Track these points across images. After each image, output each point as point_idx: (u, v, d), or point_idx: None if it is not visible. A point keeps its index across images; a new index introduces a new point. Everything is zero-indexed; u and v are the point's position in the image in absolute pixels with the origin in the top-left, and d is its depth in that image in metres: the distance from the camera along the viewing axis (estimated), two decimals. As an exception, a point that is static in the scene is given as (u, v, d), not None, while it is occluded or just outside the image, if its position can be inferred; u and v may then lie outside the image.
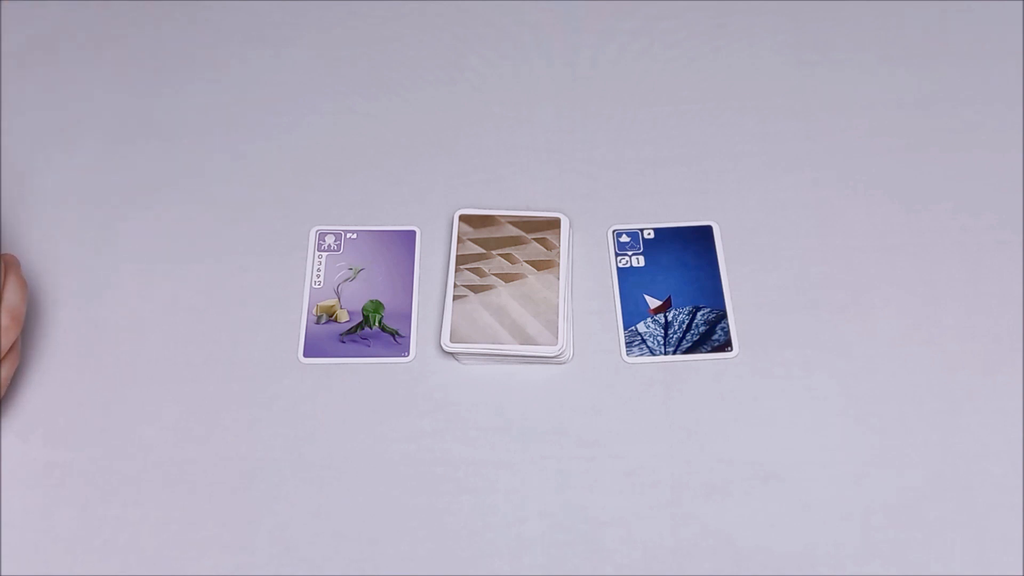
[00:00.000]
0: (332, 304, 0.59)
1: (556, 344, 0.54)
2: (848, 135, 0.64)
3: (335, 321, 0.58)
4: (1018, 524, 0.52)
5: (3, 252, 0.56)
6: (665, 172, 0.63)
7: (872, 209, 0.61)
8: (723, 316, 0.58)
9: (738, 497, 0.53)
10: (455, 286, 0.56)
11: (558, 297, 0.56)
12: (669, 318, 0.58)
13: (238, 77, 0.67)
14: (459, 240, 0.58)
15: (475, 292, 0.56)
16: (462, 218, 0.59)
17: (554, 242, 0.58)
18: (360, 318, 0.58)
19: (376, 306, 0.59)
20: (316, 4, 0.69)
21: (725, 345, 0.57)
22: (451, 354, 0.56)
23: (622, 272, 0.59)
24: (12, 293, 0.52)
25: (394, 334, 0.58)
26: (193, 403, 0.56)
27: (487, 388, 0.56)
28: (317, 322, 0.58)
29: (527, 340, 0.55)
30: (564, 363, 0.57)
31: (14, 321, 0.51)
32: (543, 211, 0.59)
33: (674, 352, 0.57)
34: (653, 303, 0.58)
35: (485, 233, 0.58)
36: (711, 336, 0.57)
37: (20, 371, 0.56)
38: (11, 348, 0.52)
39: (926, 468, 0.53)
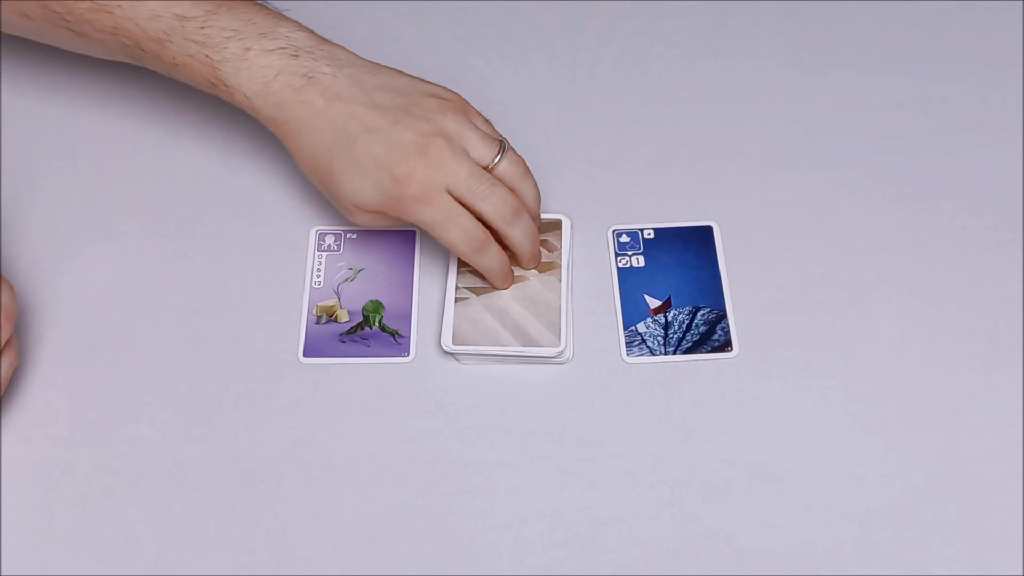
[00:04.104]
0: (332, 304, 0.59)
1: (559, 345, 0.54)
2: (848, 135, 0.64)
3: (335, 321, 0.58)
4: (1018, 524, 0.52)
5: None
6: (665, 172, 0.63)
7: (872, 209, 0.61)
8: (723, 316, 0.58)
9: (738, 497, 0.53)
10: (457, 288, 0.56)
11: (560, 299, 0.56)
12: (669, 318, 0.58)
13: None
14: None
15: (477, 295, 0.56)
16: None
17: (555, 244, 0.58)
18: (360, 318, 0.58)
19: (376, 306, 0.59)
20: (316, 4, 0.69)
21: (725, 345, 0.57)
22: (451, 354, 0.56)
23: (622, 272, 0.59)
24: (3, 294, 0.52)
25: (394, 334, 0.58)
26: (193, 403, 0.56)
27: (487, 388, 0.56)
28: (317, 322, 0.58)
29: (529, 342, 0.55)
30: (564, 363, 0.57)
31: (7, 320, 0.51)
32: (544, 212, 0.59)
33: (674, 352, 0.57)
34: (653, 303, 0.58)
35: None
36: (711, 336, 0.57)
37: (21, 371, 0.56)
38: (9, 348, 0.52)
39: (926, 468, 0.53)
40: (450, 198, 0.52)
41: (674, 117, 0.65)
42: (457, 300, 0.56)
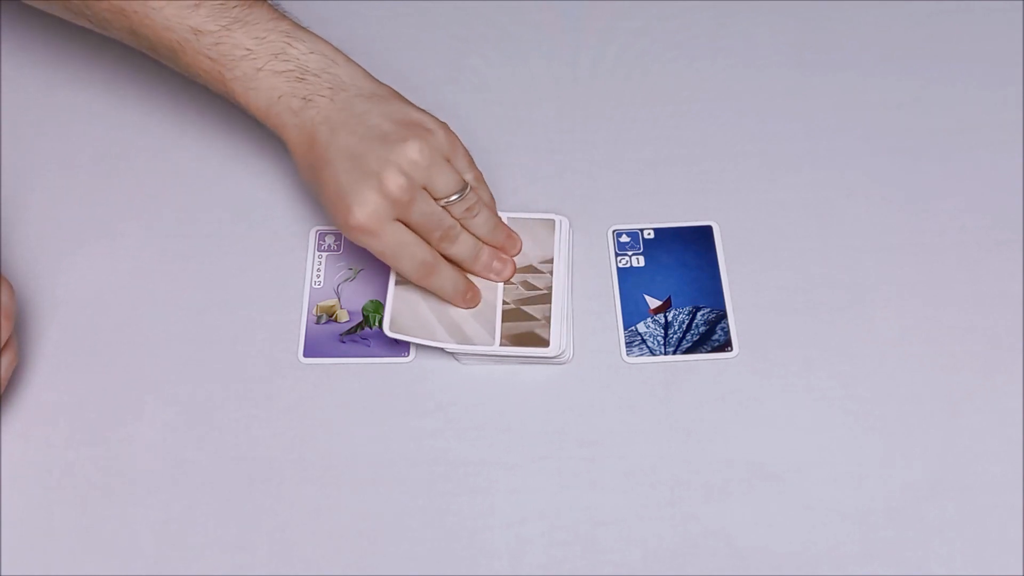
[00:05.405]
0: (332, 304, 0.59)
1: (493, 344, 0.54)
2: (848, 135, 0.64)
3: (335, 321, 0.58)
4: (1018, 524, 0.52)
5: None
6: (665, 172, 0.63)
7: (872, 209, 0.61)
8: (723, 316, 0.58)
9: (738, 497, 0.53)
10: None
11: (497, 297, 0.56)
12: (669, 318, 0.58)
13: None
14: None
15: None
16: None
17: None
18: (360, 318, 0.58)
19: (376, 306, 0.59)
20: (316, 4, 0.69)
21: (725, 345, 0.57)
22: (451, 354, 0.56)
23: (622, 272, 0.59)
24: (2, 293, 0.52)
25: (394, 334, 0.58)
26: (193, 403, 0.56)
27: (487, 388, 0.56)
28: (317, 322, 0.58)
29: (464, 340, 0.54)
30: (564, 363, 0.57)
31: (7, 319, 0.52)
32: (542, 212, 0.59)
33: (674, 352, 0.57)
34: (653, 303, 0.58)
35: None
36: (711, 336, 0.57)
37: (20, 371, 0.56)
38: (9, 347, 0.52)
39: (926, 468, 0.53)
40: (400, 227, 0.52)
41: (674, 117, 0.65)
42: (398, 283, 0.56)
